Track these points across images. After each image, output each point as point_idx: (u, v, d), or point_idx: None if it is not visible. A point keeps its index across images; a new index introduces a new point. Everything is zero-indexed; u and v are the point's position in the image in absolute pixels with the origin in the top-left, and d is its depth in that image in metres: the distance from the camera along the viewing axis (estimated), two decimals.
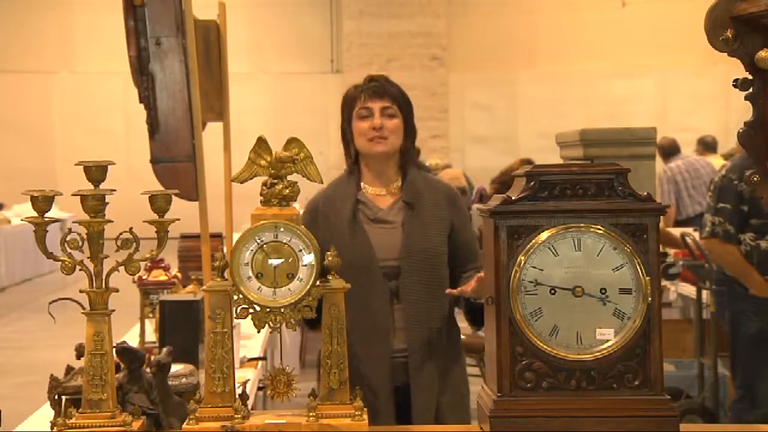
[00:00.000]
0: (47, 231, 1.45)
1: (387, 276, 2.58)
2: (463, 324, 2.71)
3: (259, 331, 1.44)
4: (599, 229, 1.44)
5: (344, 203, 2.68)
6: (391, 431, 1.68)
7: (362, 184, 2.73)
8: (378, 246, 2.60)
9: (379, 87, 2.70)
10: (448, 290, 2.54)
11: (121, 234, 1.45)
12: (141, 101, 2.68)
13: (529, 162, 8.79)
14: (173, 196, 1.50)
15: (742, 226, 4.16)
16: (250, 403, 1.77)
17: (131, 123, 14.09)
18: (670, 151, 8.88)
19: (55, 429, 1.42)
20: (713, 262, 4.43)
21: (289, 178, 1.48)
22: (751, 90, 1.40)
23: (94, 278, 1.44)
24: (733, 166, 4.13)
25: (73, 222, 1.50)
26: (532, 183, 1.46)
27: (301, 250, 1.41)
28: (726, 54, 1.40)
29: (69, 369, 1.83)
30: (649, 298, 1.43)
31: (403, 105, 2.72)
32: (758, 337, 4.21)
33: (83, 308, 1.45)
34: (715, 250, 4.28)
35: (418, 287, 2.57)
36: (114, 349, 1.48)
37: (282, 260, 1.41)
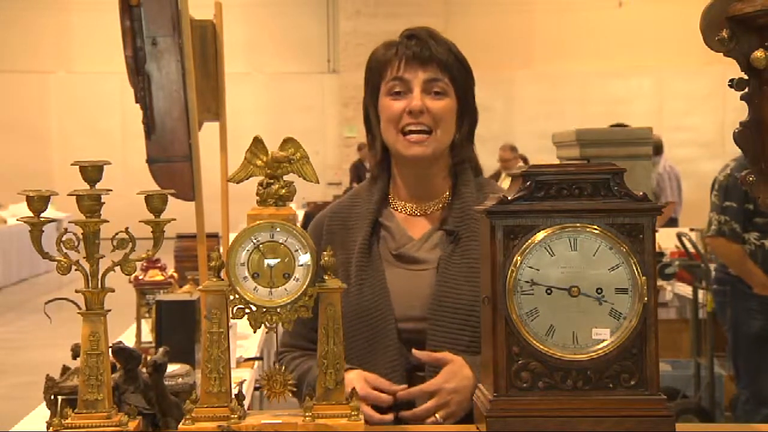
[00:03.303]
0: (43, 231, 1.44)
1: (406, 342, 1.79)
2: None
3: (255, 332, 1.44)
4: (595, 229, 1.44)
5: (359, 223, 1.89)
6: (390, 431, 1.66)
7: (391, 196, 1.93)
8: (398, 296, 1.81)
9: (423, 48, 1.84)
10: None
11: (117, 234, 1.45)
12: (137, 101, 2.68)
13: (513, 149, 9.00)
14: (169, 196, 1.50)
15: (746, 225, 4.19)
16: (246, 403, 1.77)
17: (128, 123, 14.10)
18: (659, 149, 8.99)
19: (50, 429, 1.41)
20: (719, 259, 4.46)
21: (285, 178, 1.48)
22: (746, 90, 1.40)
23: (90, 278, 1.43)
24: (738, 165, 4.15)
25: (69, 222, 1.49)
26: (528, 183, 1.46)
27: (297, 250, 1.41)
28: (722, 54, 1.40)
29: (65, 369, 1.83)
30: (645, 298, 1.43)
31: (459, 76, 1.88)
32: (762, 335, 4.23)
33: (79, 308, 1.44)
34: (721, 248, 4.30)
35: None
36: (110, 349, 1.47)
37: (278, 260, 1.41)
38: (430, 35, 1.89)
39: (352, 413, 1.38)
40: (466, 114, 1.94)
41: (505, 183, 10.09)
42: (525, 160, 10.69)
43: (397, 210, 1.92)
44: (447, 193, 1.92)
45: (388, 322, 1.79)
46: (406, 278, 1.84)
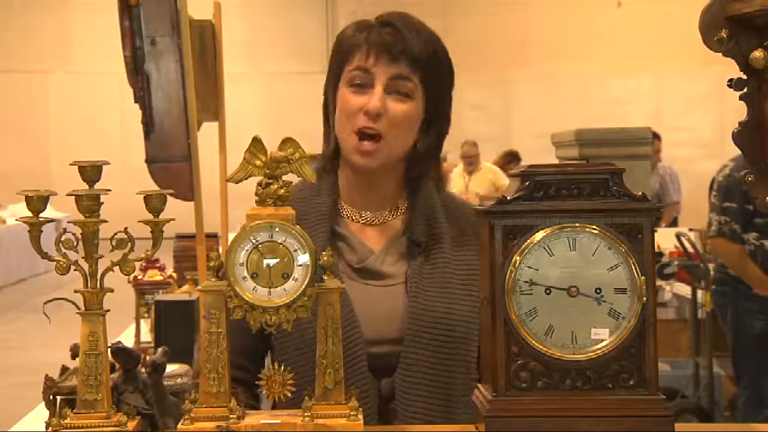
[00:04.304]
0: (42, 231, 1.44)
1: (376, 369, 1.64)
2: None
3: (254, 331, 1.44)
4: (594, 229, 1.44)
5: (311, 230, 1.65)
6: (389, 431, 1.64)
7: (341, 202, 1.75)
8: (365, 317, 1.64)
9: (396, 39, 1.62)
10: None
11: (116, 234, 1.45)
12: (136, 101, 2.68)
13: (475, 144, 9.21)
14: (168, 197, 1.49)
15: (746, 225, 4.20)
16: None
17: (127, 123, 14.11)
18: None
19: (49, 429, 1.41)
20: (719, 260, 4.46)
21: (284, 178, 1.48)
22: (745, 90, 1.40)
23: (89, 278, 1.43)
24: (737, 166, 4.16)
25: (68, 222, 1.49)
26: (527, 183, 1.46)
27: (296, 250, 1.41)
28: (721, 54, 1.40)
29: (64, 369, 1.83)
30: (644, 298, 1.43)
31: (433, 77, 1.66)
32: (762, 336, 4.24)
33: (78, 308, 1.44)
34: (722, 249, 4.31)
35: (427, 391, 1.61)
36: (109, 350, 1.47)
37: (277, 260, 1.41)
38: (408, 24, 1.65)
39: (351, 413, 1.38)
40: (435, 123, 1.71)
41: (473, 184, 10.08)
42: (518, 158, 10.69)
43: (350, 218, 1.73)
44: (401, 202, 1.74)
45: (357, 347, 1.60)
46: (374, 295, 1.66)
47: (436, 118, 1.71)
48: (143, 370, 1.61)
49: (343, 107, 1.68)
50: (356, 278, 1.69)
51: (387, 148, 1.65)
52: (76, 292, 1.46)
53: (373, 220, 1.73)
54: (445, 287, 1.65)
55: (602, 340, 1.44)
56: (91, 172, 1.43)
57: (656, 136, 7.63)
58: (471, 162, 10.28)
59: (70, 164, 1.46)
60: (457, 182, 10.36)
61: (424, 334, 1.63)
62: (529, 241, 1.44)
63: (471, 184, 10.10)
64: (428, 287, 1.65)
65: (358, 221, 1.74)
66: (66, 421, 1.41)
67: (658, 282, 5.14)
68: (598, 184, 1.46)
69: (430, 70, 1.66)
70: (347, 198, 1.75)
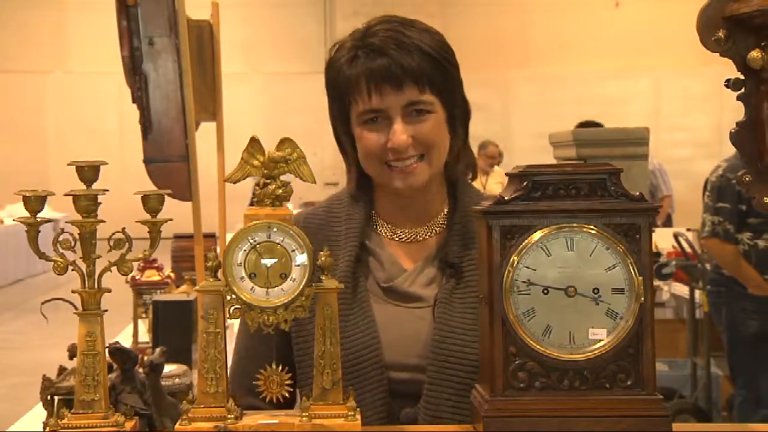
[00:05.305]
0: (40, 231, 1.44)
1: (399, 395, 1.57)
2: None
3: (252, 331, 1.44)
4: (592, 229, 1.44)
5: (341, 243, 1.62)
6: (388, 431, 1.62)
7: (375, 217, 1.67)
8: (389, 339, 1.57)
9: (392, 65, 1.53)
10: None
11: (113, 234, 1.45)
12: (134, 101, 2.68)
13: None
14: (166, 197, 1.49)
15: (740, 225, 4.21)
16: None
17: (125, 123, 14.10)
18: None
19: (47, 429, 1.41)
20: (714, 260, 4.47)
21: (282, 178, 1.48)
22: (743, 90, 1.40)
23: (86, 278, 1.43)
24: (730, 166, 4.16)
25: (66, 222, 1.49)
26: (525, 183, 1.46)
27: (294, 251, 1.41)
28: (718, 54, 1.40)
29: (61, 369, 1.82)
30: (642, 298, 1.43)
31: (441, 79, 1.57)
32: (758, 336, 4.24)
33: (76, 308, 1.44)
34: (715, 249, 4.33)
35: (452, 422, 1.53)
36: (107, 350, 1.47)
37: (275, 260, 1.41)
38: (394, 42, 1.54)
39: (349, 413, 1.38)
40: (457, 116, 1.65)
41: (491, 186, 10.00)
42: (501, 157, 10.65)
43: (384, 235, 1.65)
44: (443, 213, 1.67)
45: (376, 371, 1.54)
46: (400, 317, 1.58)
47: (458, 111, 1.65)
48: (141, 370, 1.61)
49: (364, 147, 1.60)
50: (382, 297, 1.62)
51: (431, 165, 1.59)
52: (73, 292, 1.45)
53: (410, 238, 1.64)
54: (476, 314, 1.53)
55: (600, 340, 1.44)
56: (88, 172, 1.43)
57: None
58: (493, 164, 10.16)
59: (68, 164, 1.46)
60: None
61: (450, 365, 1.54)
62: (526, 241, 1.44)
63: (488, 185, 9.96)
64: (457, 313, 1.57)
65: (394, 238, 1.65)
66: (63, 422, 1.41)
67: (656, 282, 5.14)
68: (596, 184, 1.46)
69: (434, 74, 1.58)
70: (384, 215, 1.67)
